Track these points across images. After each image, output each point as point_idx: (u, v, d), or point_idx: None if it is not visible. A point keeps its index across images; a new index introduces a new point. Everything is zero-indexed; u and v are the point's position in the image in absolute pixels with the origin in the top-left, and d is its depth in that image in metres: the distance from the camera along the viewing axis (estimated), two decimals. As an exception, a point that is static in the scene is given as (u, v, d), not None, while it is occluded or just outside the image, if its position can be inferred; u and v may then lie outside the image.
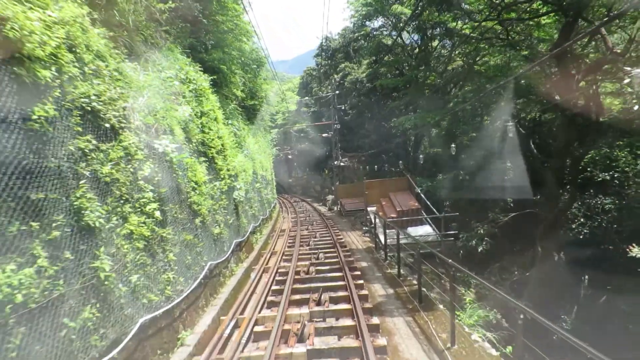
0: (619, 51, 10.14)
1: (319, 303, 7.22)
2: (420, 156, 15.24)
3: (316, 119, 39.19)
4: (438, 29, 19.53)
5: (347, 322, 6.33)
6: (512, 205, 14.24)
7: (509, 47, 14.61)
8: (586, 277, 11.43)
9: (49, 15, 3.83)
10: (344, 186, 29.23)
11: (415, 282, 8.71)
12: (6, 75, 3.09)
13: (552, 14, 13.30)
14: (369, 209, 16.13)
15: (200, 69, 10.06)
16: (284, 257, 11.50)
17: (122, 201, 4.64)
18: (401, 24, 19.72)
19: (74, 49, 4.34)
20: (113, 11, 6.95)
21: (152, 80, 6.86)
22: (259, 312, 6.94)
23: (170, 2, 8.75)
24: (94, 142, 4.26)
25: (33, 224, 3.09)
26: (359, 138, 32.48)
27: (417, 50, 24.31)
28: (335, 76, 31.80)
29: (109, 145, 4.60)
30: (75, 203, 3.65)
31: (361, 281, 8.47)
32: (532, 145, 14.10)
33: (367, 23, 24.75)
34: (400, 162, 22.66)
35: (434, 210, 13.31)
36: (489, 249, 12.11)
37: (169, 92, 7.67)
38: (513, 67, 16.60)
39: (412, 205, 14.33)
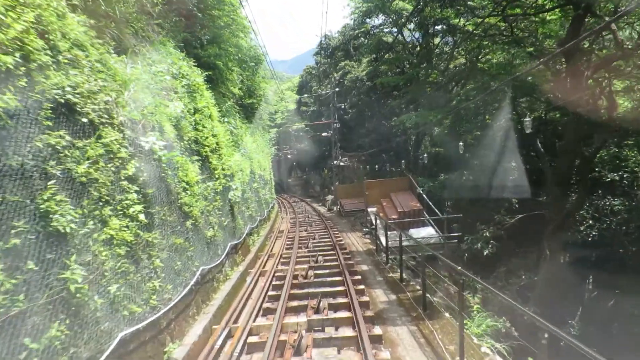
0: (630, 47, 9.74)
1: (317, 311, 6.82)
2: (425, 155, 14.80)
3: (316, 118, 38.79)
4: (440, 26, 19.10)
5: (348, 332, 5.93)
6: (517, 206, 13.84)
7: (513, 43, 14.19)
8: (593, 280, 11.04)
9: (13, -5, 3.42)
10: (343, 186, 28.82)
11: (418, 287, 8.32)
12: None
13: (558, 10, 12.91)
14: (369, 209, 15.71)
15: (194, 63, 9.66)
16: (281, 260, 11.09)
17: (101, 203, 4.23)
18: (403, 20, 19.29)
19: (46, 36, 3.94)
20: (99, 0, 6.52)
21: (140, 74, 6.46)
22: (254, 321, 6.54)
23: (162, -8, 8.32)
24: (68, 138, 3.85)
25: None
26: (359, 137, 32.06)
27: (418, 48, 23.92)
28: (335, 75, 31.38)
29: (86, 142, 4.19)
30: (41, 206, 3.24)
31: (362, 286, 8.07)
32: (539, 144, 13.68)
33: (368, 20, 24.34)
34: (403, 161, 22.21)
35: (437, 211, 12.90)
36: (495, 251, 11.69)
37: (159, 87, 7.26)
38: (516, 65, 16.21)
39: (414, 206, 13.91)
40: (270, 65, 21.18)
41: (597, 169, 12.44)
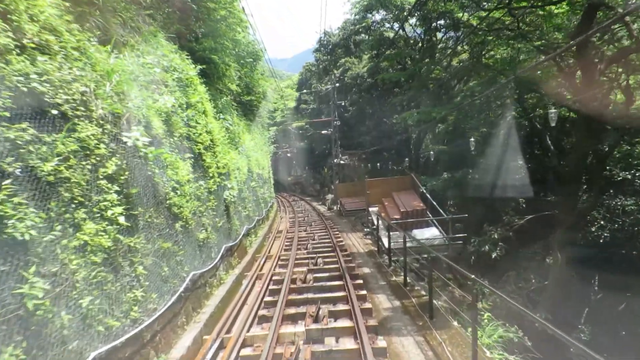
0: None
1: (316, 319, 6.37)
2: (431, 152, 14.30)
3: (316, 116, 38.31)
4: (443, 20, 18.59)
5: (349, 344, 5.48)
6: (524, 206, 13.35)
7: (519, 38, 13.70)
8: (604, 282, 10.58)
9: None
10: (344, 185, 28.35)
11: (423, 292, 7.89)
12: None
13: (565, 2, 12.41)
14: (370, 209, 15.26)
15: (187, 56, 9.19)
16: (279, 263, 10.64)
17: (73, 205, 3.77)
18: (405, 13, 18.79)
19: (8, 16, 3.49)
20: (79, -15, 6.03)
21: (126, 65, 6.00)
22: (248, 330, 6.09)
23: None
24: (33, 131, 3.39)
25: None
26: (359, 135, 31.57)
27: (420, 44, 23.42)
28: (335, 72, 30.86)
29: (56, 137, 3.73)
30: (-8, 210, 2.79)
31: (364, 292, 7.62)
32: (548, 142, 13.19)
33: (368, 15, 23.83)
34: (407, 159, 21.69)
35: (441, 211, 12.44)
36: (503, 254, 11.22)
37: (147, 79, 6.80)
38: (522, 60, 15.74)
39: (417, 206, 13.45)
40: (269, 63, 20.70)
41: (608, 168, 11.95)
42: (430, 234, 12.08)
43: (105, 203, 4.29)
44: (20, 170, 3.13)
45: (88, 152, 4.21)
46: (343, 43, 30.67)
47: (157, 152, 5.79)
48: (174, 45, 9.00)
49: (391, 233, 10.16)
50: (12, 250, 2.88)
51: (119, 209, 4.45)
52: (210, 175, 8.71)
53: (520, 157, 13.73)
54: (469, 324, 6.39)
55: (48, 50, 3.98)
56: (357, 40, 29.12)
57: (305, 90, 41.76)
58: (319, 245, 12.84)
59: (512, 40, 15.38)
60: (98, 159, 4.35)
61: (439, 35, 21.71)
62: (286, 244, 13.60)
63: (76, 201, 3.82)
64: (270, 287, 8.37)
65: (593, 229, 11.80)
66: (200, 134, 8.57)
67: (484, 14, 14.42)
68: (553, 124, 6.66)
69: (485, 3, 14.40)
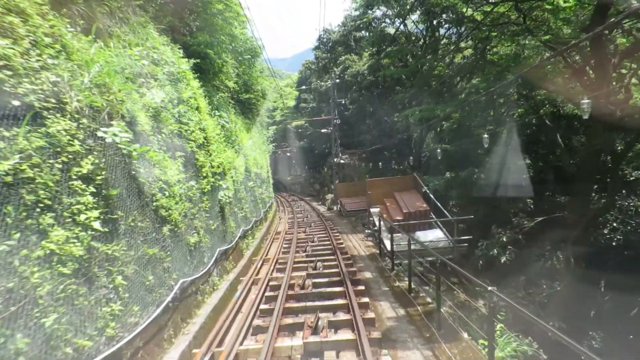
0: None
1: (315, 330, 5.89)
2: (438, 151, 13.80)
3: (315, 115, 37.83)
4: (447, 15, 18.08)
5: (351, 359, 5.02)
6: (532, 207, 12.88)
7: (526, 33, 13.24)
8: (616, 286, 10.12)
9: None
10: (344, 185, 27.86)
11: (429, 299, 7.44)
12: None
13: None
14: (371, 210, 14.78)
15: (179, 49, 8.72)
16: (277, 266, 10.19)
17: (38, 210, 3.31)
18: (407, 7, 18.29)
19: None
20: (58, -31, 5.56)
21: (109, 56, 5.54)
22: (241, 343, 5.63)
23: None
24: (-14, 124, 2.93)
25: None
26: (359, 134, 31.07)
27: (422, 41, 22.94)
28: (335, 69, 30.34)
29: (17, 131, 3.27)
30: None
31: (366, 299, 7.15)
32: (559, 140, 12.69)
33: (369, 11, 23.34)
34: (411, 157, 21.16)
35: (445, 212, 11.97)
36: (513, 258, 10.74)
37: (134, 71, 6.34)
38: (527, 57, 15.27)
39: (420, 207, 12.97)
40: (267, 60, 20.22)
41: (620, 167, 11.45)
42: (434, 236, 11.61)
43: (79, 206, 3.83)
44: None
45: (59, 149, 3.75)
46: (343, 40, 30.17)
47: (142, 150, 5.32)
48: (165, 38, 8.55)
49: (394, 235, 9.70)
50: (-50, 265, 2.42)
51: (95, 213, 3.99)
52: (204, 175, 8.26)
53: (527, 155, 13.27)
54: (479, 336, 5.97)
55: (11, 34, 3.52)
56: (357, 36, 28.62)
57: (304, 87, 41.20)
58: (319, 247, 12.38)
59: (517, 36, 14.93)
60: (71, 156, 3.89)
61: (442, 31, 21.24)
62: (284, 246, 13.14)
63: (42, 205, 3.37)
64: (267, 293, 7.91)
65: (605, 231, 11.33)
66: (193, 132, 8.12)
67: (488, 8, 13.95)
68: (586, 116, 6.18)
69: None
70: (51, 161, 3.58)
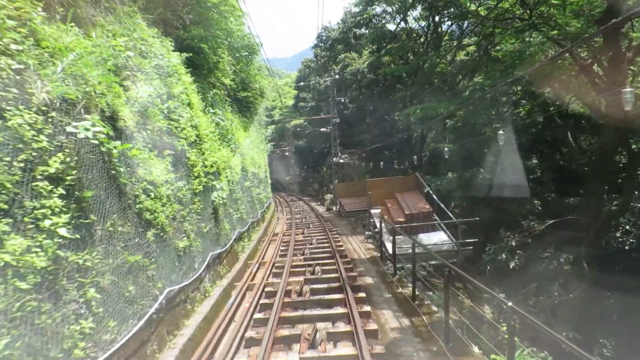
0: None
1: (313, 343, 5.45)
2: (445, 149, 13.33)
3: (314, 114, 37.35)
4: (450, 10, 17.62)
5: (352, 378, 4.57)
6: (539, 208, 12.42)
7: (532, 28, 12.79)
8: (629, 292, 9.67)
9: None
10: (343, 185, 27.39)
11: (434, 307, 7.00)
12: None
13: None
14: (372, 211, 14.33)
15: (171, 42, 8.25)
16: (273, 271, 9.73)
17: (-10, 215, 2.85)
18: (409, 3, 17.82)
19: None
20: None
21: (87, 46, 5.08)
22: (232, 358, 5.16)
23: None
24: None
25: None
26: (359, 133, 30.59)
27: (423, 38, 22.49)
28: (335, 67, 29.86)
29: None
30: None
31: (368, 308, 6.70)
32: (570, 139, 12.23)
33: (369, 8, 22.87)
34: (415, 157, 20.65)
35: (450, 214, 11.51)
36: (523, 263, 10.28)
37: (118, 63, 5.88)
38: (533, 53, 14.83)
39: (423, 208, 12.52)
40: (265, 59, 19.75)
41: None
42: (437, 238, 11.15)
43: (43, 210, 3.36)
44: None
45: (20, 146, 3.29)
46: (343, 37, 29.68)
47: (124, 148, 4.86)
48: (156, 30, 8.08)
49: (396, 237, 9.25)
50: None
51: (63, 218, 3.53)
52: (195, 174, 7.79)
53: (534, 155, 12.81)
54: (490, 350, 5.52)
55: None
56: (357, 34, 28.13)
57: (302, 83, 40.71)
58: (317, 250, 11.92)
59: (522, 32, 14.49)
60: (36, 154, 3.43)
61: (444, 27, 20.80)
62: (282, 248, 12.68)
63: (-4, 209, 2.90)
64: (262, 300, 7.45)
65: (617, 234, 10.88)
66: (184, 129, 7.66)
67: (493, 2, 13.50)
68: (629, 108, 5.72)
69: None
70: (8, 159, 3.12)
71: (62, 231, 3.42)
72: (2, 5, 3.62)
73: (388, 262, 10.21)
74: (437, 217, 12.28)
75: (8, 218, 3.01)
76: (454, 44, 18.77)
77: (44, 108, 3.72)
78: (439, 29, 20.83)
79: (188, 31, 10.67)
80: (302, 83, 40.87)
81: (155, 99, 6.64)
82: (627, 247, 10.33)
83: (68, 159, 3.81)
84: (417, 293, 7.38)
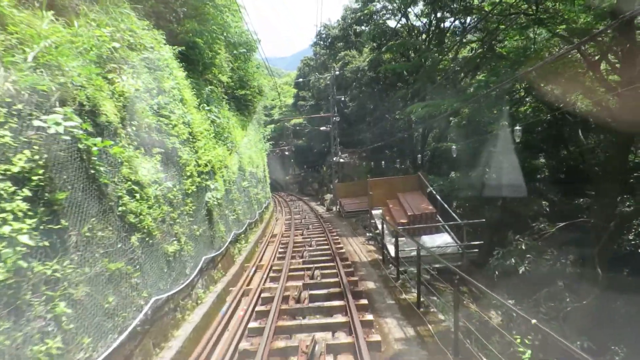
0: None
1: (311, 357, 5.03)
2: (453, 147, 12.90)
3: (314, 113, 36.95)
4: (453, 5, 17.17)
5: (354, 398, 4.16)
6: (547, 209, 12.00)
7: (538, 23, 12.38)
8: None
9: None
10: (343, 184, 26.96)
11: (441, 316, 6.60)
12: None
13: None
14: (373, 212, 13.92)
15: (162, 35, 7.83)
16: (270, 275, 9.32)
17: None
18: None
19: None
20: None
21: (65, 34, 4.68)
22: (224, 374, 4.76)
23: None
24: None
25: None
26: (359, 132, 30.15)
27: (424, 35, 22.06)
28: (335, 65, 29.42)
29: None
30: None
31: (370, 316, 6.29)
32: (581, 137, 11.79)
33: (370, 4, 22.44)
34: (419, 156, 20.20)
35: (454, 215, 11.10)
36: (533, 268, 9.84)
37: (103, 54, 5.48)
38: (538, 49, 14.41)
39: (426, 209, 12.11)
40: (263, 56, 19.39)
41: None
42: (442, 240, 10.73)
43: (4, 215, 2.96)
44: None
45: (-24, 142, 2.89)
46: (343, 35, 29.23)
47: (105, 145, 4.46)
48: (146, 22, 7.66)
49: (398, 240, 8.84)
50: None
51: (28, 223, 3.12)
52: (188, 174, 7.38)
53: (542, 154, 12.39)
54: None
55: None
56: (357, 30, 27.68)
57: (301, 79, 40.26)
58: (317, 252, 11.50)
59: (526, 28, 14.08)
60: (-4, 152, 3.02)
61: (447, 24, 20.37)
62: (280, 250, 12.27)
63: (-60, 215, 2.49)
64: (258, 307, 7.04)
65: (630, 237, 10.45)
66: (176, 126, 7.26)
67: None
68: None
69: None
70: (-40, 157, 2.71)
71: (24, 238, 3.01)
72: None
73: (390, 265, 9.81)
74: (440, 219, 11.87)
75: (-43, 224, 2.60)
76: (457, 40, 18.33)
77: (7, 99, 3.31)
78: (442, 25, 20.40)
79: (182, 25, 10.26)
80: (300, 79, 40.43)
81: (143, 93, 6.24)
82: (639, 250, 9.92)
83: (37, 157, 3.40)
84: (422, 299, 6.98)
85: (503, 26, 14.99)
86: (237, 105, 17.32)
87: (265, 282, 8.70)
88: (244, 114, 18.55)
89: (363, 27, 26.41)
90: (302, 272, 9.13)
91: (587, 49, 12.51)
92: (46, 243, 3.32)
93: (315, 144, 40.44)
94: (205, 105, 10.33)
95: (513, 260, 9.76)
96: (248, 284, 8.76)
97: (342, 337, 5.67)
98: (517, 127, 9.29)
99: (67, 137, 3.70)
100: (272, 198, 30.61)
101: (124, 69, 6.05)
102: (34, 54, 3.85)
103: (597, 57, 11.78)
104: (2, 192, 3.00)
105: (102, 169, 4.43)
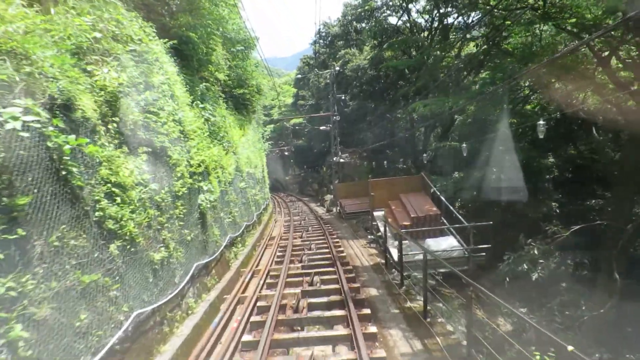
0: None
1: (309, 377, 4.57)
2: (464, 146, 12.42)
3: (314, 112, 36.49)
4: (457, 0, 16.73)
5: None
6: (557, 211, 11.53)
7: (546, 19, 11.93)
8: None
9: None
10: (344, 185, 26.45)
11: (450, 327, 6.13)
12: None
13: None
14: (375, 213, 13.46)
15: (151, 27, 7.38)
16: (268, 281, 8.85)
17: None
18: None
19: None
20: None
21: (40, 21, 4.27)
22: (212, 397, 4.30)
23: None
24: None
25: None
26: (360, 132, 29.67)
27: (427, 32, 21.60)
28: (335, 64, 28.94)
29: None
30: None
31: (373, 328, 5.82)
32: (596, 134, 11.31)
33: (370, 0, 21.99)
34: (423, 155, 19.67)
35: (460, 217, 10.63)
36: (546, 274, 9.36)
37: (82, 45, 5.04)
38: (545, 46, 13.96)
39: (430, 210, 11.65)
40: (262, 54, 18.95)
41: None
42: (447, 244, 10.27)
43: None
44: None
45: None
46: (343, 33, 28.76)
47: (78, 143, 4.00)
48: (134, 13, 7.21)
49: (401, 243, 8.37)
50: None
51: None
52: (178, 175, 6.93)
53: (551, 154, 11.90)
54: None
55: None
56: (358, 27, 27.20)
57: (300, 76, 39.76)
58: (316, 256, 11.03)
59: (533, 23, 13.63)
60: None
61: (450, 20, 19.89)
62: (278, 254, 11.81)
63: None
64: (253, 317, 6.58)
65: (643, 240, 10.01)
66: (165, 123, 6.79)
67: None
68: None
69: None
70: None
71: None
72: None
73: (393, 270, 9.36)
74: (445, 221, 11.40)
75: None
76: (461, 37, 17.86)
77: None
78: (445, 21, 19.92)
79: (175, 19, 9.81)
80: (300, 77, 39.95)
81: (128, 88, 5.77)
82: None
83: (-3, 156, 2.95)
84: (428, 307, 6.52)
85: (509, 22, 14.54)
86: (235, 104, 16.88)
87: (261, 289, 8.23)
88: (242, 113, 18.11)
89: (363, 24, 25.95)
90: (300, 278, 8.66)
91: (596, 45, 12.07)
92: (0, 256, 2.87)
93: (315, 143, 39.98)
94: (199, 102, 9.89)
95: (525, 266, 9.28)
96: (243, 291, 8.30)
97: (344, 353, 5.21)
98: (541, 122, 8.79)
99: (27, 134, 3.22)
100: (272, 199, 30.16)
101: (107, 61, 5.60)
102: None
103: (606, 53, 11.34)
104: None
105: (75, 170, 3.97)
